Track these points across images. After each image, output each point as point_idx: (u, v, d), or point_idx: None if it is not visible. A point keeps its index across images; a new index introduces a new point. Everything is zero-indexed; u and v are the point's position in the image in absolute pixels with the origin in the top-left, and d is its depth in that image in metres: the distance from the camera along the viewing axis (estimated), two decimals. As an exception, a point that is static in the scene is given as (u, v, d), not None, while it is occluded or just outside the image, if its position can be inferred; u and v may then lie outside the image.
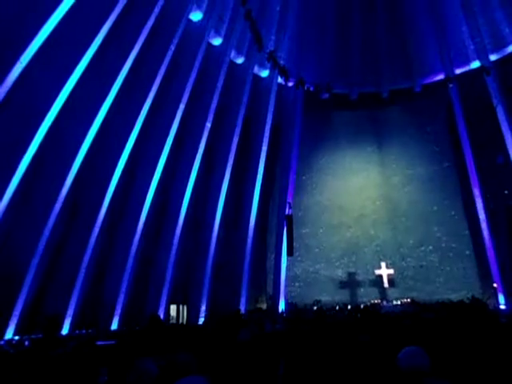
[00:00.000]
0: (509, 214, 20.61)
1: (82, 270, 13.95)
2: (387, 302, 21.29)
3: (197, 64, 17.39)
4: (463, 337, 4.90)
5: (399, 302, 20.77)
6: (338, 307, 20.65)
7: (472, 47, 21.53)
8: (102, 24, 13.17)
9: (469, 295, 19.65)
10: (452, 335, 5.12)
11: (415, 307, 18.15)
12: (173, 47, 16.14)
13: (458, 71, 22.41)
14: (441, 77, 22.99)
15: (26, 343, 9.62)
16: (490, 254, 20.22)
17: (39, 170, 13.36)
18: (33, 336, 10.65)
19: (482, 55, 21.18)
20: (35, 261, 12.45)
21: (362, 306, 18.41)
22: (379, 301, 21.35)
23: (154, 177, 16.47)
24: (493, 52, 21.15)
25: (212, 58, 18.73)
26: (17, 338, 11.48)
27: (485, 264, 20.68)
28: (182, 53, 16.93)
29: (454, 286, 21.21)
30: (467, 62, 22.12)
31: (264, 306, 21.51)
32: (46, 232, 12.66)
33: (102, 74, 13.94)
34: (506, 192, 21.12)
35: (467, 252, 21.93)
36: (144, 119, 15.68)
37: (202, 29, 17.91)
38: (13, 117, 11.49)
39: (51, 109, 12.13)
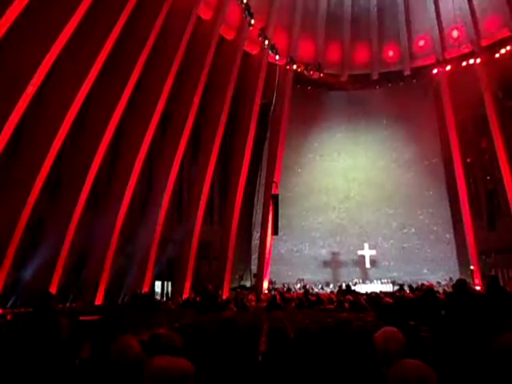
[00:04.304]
0: (489, 198, 21.06)
1: (66, 244, 13.83)
2: (369, 281, 21.84)
3: (185, 38, 16.92)
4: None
5: (380, 282, 21.32)
6: (320, 286, 21.11)
7: (464, 32, 21.42)
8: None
9: (446, 277, 20.27)
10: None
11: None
12: (160, 21, 15.62)
13: (449, 55, 22.35)
14: (431, 60, 22.92)
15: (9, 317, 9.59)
16: (469, 237, 20.77)
17: (21, 142, 13.07)
18: (15, 311, 10.63)
19: (473, 40, 21.13)
20: (17, 234, 12.30)
21: (344, 285, 18.82)
22: (361, 280, 21.87)
23: (140, 152, 16.23)
24: (484, 38, 21.09)
25: (201, 33, 18.23)
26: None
27: (463, 247, 21.28)
28: (169, 26, 16.40)
29: (433, 267, 21.84)
30: (458, 46, 22.03)
31: (248, 284, 21.82)
32: (29, 205, 12.47)
33: (88, 45, 13.49)
34: (488, 177, 21.51)
35: (447, 235, 22.50)
36: (130, 93, 15.30)
37: (191, 1, 17.36)
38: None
39: (34, 76, 11.70)
